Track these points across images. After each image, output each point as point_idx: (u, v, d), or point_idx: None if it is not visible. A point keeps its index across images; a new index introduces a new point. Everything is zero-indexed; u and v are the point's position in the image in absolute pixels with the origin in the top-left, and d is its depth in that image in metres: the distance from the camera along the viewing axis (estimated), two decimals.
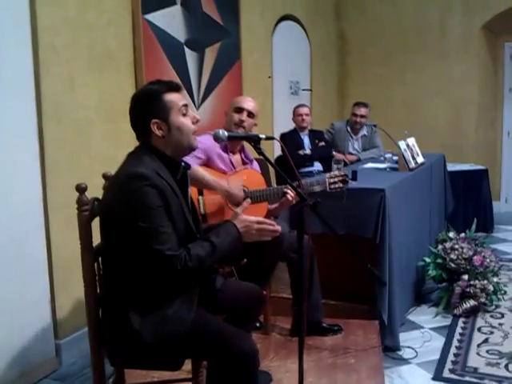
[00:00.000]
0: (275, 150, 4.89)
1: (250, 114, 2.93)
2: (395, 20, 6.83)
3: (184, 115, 1.93)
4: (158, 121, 1.88)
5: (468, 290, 3.53)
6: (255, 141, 2.02)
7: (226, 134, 2.06)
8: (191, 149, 1.98)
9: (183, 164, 1.99)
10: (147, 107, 1.90)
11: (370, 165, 4.53)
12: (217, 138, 2.07)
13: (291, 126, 4.96)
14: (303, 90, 6.01)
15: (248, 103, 2.95)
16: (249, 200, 2.08)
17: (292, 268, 3.05)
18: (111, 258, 1.89)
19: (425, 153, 4.56)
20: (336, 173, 3.00)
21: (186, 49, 4.08)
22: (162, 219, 1.77)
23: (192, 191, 2.18)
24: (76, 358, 3.04)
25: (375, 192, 3.21)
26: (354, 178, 3.42)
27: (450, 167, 5.40)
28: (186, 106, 1.94)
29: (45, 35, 2.91)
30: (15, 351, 2.76)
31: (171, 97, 1.91)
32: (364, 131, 5.36)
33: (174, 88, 1.95)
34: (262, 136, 2.04)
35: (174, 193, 1.86)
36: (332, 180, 2.94)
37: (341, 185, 2.97)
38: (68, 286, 3.00)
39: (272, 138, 2.17)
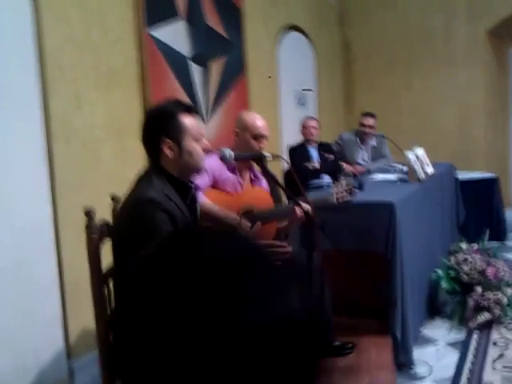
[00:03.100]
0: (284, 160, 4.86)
1: (266, 138, 2.87)
2: (400, 27, 6.81)
3: (196, 141, 1.91)
4: (170, 141, 1.87)
5: (482, 302, 3.48)
6: (262, 160, 2.00)
7: (232, 154, 2.04)
8: (198, 172, 1.96)
9: (192, 186, 1.97)
10: (161, 125, 1.89)
11: (379, 176, 4.48)
12: (223, 159, 2.05)
13: (299, 136, 4.93)
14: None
15: (266, 129, 2.87)
16: (259, 223, 2.06)
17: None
18: (121, 281, 1.87)
19: (434, 161, 4.51)
20: (342, 184, 2.97)
21: (192, 63, 4.07)
22: None
23: None
24: (89, 380, 3.01)
25: (385, 206, 3.17)
26: (361, 188, 3.39)
27: (460, 175, 5.35)
28: (201, 134, 1.93)
29: (51, 55, 2.91)
30: (28, 374, 2.73)
31: (188, 120, 1.90)
32: (373, 141, 5.32)
33: (192, 111, 1.94)
34: (269, 156, 2.01)
35: (184, 215, 1.84)
36: (339, 192, 2.90)
37: (348, 196, 2.93)
38: (80, 306, 2.97)
39: (278, 157, 2.15)
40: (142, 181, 1.89)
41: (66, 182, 2.97)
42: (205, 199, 2.59)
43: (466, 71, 6.52)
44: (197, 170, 1.94)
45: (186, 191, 1.93)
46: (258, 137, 2.83)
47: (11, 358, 2.64)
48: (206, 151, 1.96)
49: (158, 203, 1.75)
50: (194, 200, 2.00)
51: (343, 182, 3.05)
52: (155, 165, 1.92)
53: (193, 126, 1.90)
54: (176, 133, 1.87)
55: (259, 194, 2.90)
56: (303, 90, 5.95)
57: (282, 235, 3.01)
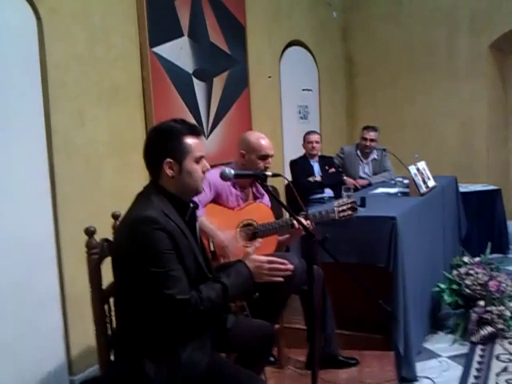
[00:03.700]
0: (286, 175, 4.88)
1: (272, 156, 2.92)
2: (402, 41, 6.85)
3: (197, 162, 1.93)
4: (172, 161, 1.88)
5: (485, 316, 3.47)
6: (262, 178, 2.02)
7: (232, 172, 2.06)
8: (197, 193, 1.98)
9: (191, 204, 1.98)
10: (165, 145, 1.91)
11: (380, 190, 4.49)
12: (224, 177, 2.07)
13: (301, 150, 4.96)
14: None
15: (271, 149, 2.90)
16: (260, 240, 2.07)
17: (304, 300, 3.01)
18: (123, 300, 1.89)
19: (436, 175, 4.52)
20: (344, 200, 3.00)
21: (194, 79, 4.12)
22: (172, 263, 1.76)
23: None
24: None
25: (386, 220, 3.18)
26: (363, 205, 3.41)
27: (463, 188, 5.35)
28: (202, 156, 1.95)
29: (54, 72, 2.95)
30: None
31: (191, 141, 1.91)
32: (374, 155, 5.34)
33: (196, 133, 1.95)
34: (269, 174, 2.04)
35: (183, 233, 1.85)
36: (341, 208, 2.93)
37: (350, 212, 2.96)
38: (82, 321, 2.98)
39: (279, 175, 2.17)
40: (141, 199, 1.90)
41: (68, 197, 3.00)
42: (201, 214, 2.61)
43: (469, 85, 6.54)
44: (195, 190, 1.96)
45: (185, 209, 1.95)
46: (264, 157, 2.87)
47: (13, 372, 2.66)
48: (206, 170, 1.98)
49: (157, 222, 1.76)
50: (194, 218, 2.01)
51: (345, 198, 3.07)
52: (154, 183, 1.94)
53: (195, 148, 1.92)
54: (178, 153, 1.89)
55: (259, 208, 2.92)
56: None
57: (284, 248, 3.02)
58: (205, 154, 1.97)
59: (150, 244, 1.74)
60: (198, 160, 1.93)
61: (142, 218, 1.77)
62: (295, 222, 2.70)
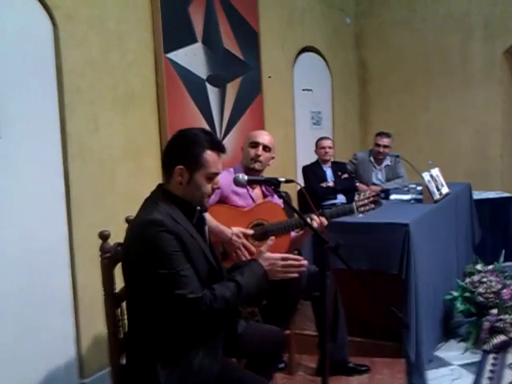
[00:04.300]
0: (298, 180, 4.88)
1: (266, 148, 2.93)
2: (416, 47, 6.83)
3: (209, 179, 1.93)
4: (184, 168, 1.89)
5: (497, 324, 3.45)
6: (275, 184, 2.02)
7: (245, 178, 2.07)
8: (201, 206, 1.99)
9: (198, 208, 1.99)
10: (183, 150, 1.91)
11: (393, 196, 4.48)
12: (237, 183, 2.08)
13: (314, 156, 4.96)
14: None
15: (263, 137, 2.95)
16: (273, 238, 2.07)
17: (316, 306, 3.02)
18: (135, 304, 1.90)
19: (450, 182, 4.51)
20: (366, 194, 2.95)
21: (208, 85, 4.14)
22: (181, 263, 1.77)
23: None
24: None
25: (399, 227, 3.18)
26: (387, 197, 3.34)
27: (476, 195, 5.32)
28: (216, 174, 1.95)
29: (69, 77, 2.98)
30: None
31: (210, 156, 1.91)
32: (387, 161, 5.32)
33: (219, 149, 1.96)
34: (282, 179, 2.04)
35: (191, 235, 1.86)
36: (361, 203, 2.90)
37: (372, 205, 2.92)
38: (93, 324, 3.01)
39: (292, 181, 2.17)
40: (148, 204, 1.92)
41: (82, 201, 3.02)
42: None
43: (483, 91, 6.50)
44: (200, 204, 1.97)
45: (192, 212, 1.96)
46: (255, 144, 2.92)
47: (23, 375, 2.68)
48: (216, 188, 1.99)
49: (163, 224, 1.78)
50: (202, 220, 2.03)
51: (367, 192, 3.02)
52: (162, 188, 1.95)
53: (211, 164, 1.91)
54: (192, 163, 1.89)
55: (270, 207, 2.90)
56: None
57: (295, 252, 3.02)
58: (220, 172, 1.97)
59: (157, 246, 1.76)
60: (210, 176, 1.93)
61: (149, 221, 1.79)
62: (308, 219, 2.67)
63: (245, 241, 2.65)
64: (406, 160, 5.09)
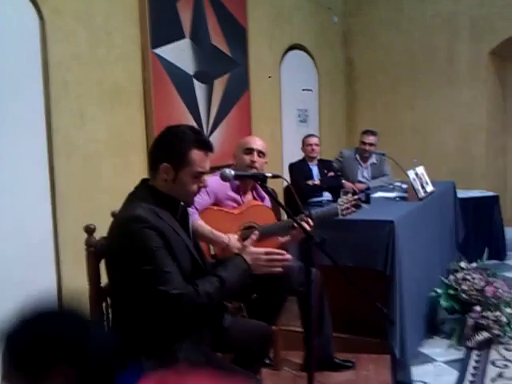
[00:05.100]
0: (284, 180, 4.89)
1: (260, 154, 2.90)
2: (403, 46, 6.87)
3: (195, 177, 1.92)
4: (169, 166, 1.88)
5: (481, 321, 3.48)
6: (261, 179, 2.03)
7: (232, 173, 2.07)
8: (186, 203, 1.99)
9: (182, 203, 1.99)
10: (169, 148, 1.90)
11: (379, 194, 4.51)
12: (224, 178, 2.08)
13: (301, 154, 4.97)
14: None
15: (257, 143, 2.92)
16: (257, 232, 2.07)
17: (302, 302, 3.02)
18: (119, 298, 1.90)
19: (434, 180, 4.54)
20: (348, 197, 2.97)
21: (195, 81, 4.13)
22: (164, 259, 1.77)
23: None
24: None
25: (384, 224, 3.20)
26: (368, 201, 3.40)
27: (461, 194, 5.37)
28: (202, 173, 1.93)
29: (56, 71, 2.96)
30: None
31: (196, 156, 1.89)
32: (373, 159, 5.35)
33: (206, 148, 1.93)
34: (269, 175, 2.05)
35: (175, 231, 1.86)
36: (344, 206, 2.92)
37: (353, 209, 2.95)
38: None
39: (278, 177, 2.18)
40: (131, 199, 1.91)
41: (68, 196, 3.01)
42: (197, 218, 2.61)
43: (468, 91, 6.57)
44: (185, 201, 1.96)
45: (176, 207, 1.96)
46: (249, 151, 2.89)
47: None
48: (203, 187, 1.97)
49: (146, 221, 1.77)
50: (186, 215, 2.02)
51: (349, 195, 3.05)
52: (145, 183, 1.95)
53: (198, 163, 1.90)
54: (178, 161, 1.88)
55: (260, 210, 2.91)
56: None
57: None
58: (207, 171, 1.96)
59: (140, 242, 1.75)
60: (196, 175, 1.91)
61: (131, 218, 1.78)
62: (295, 224, 2.70)
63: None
64: (391, 158, 5.12)
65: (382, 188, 4.89)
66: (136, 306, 1.81)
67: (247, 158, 2.89)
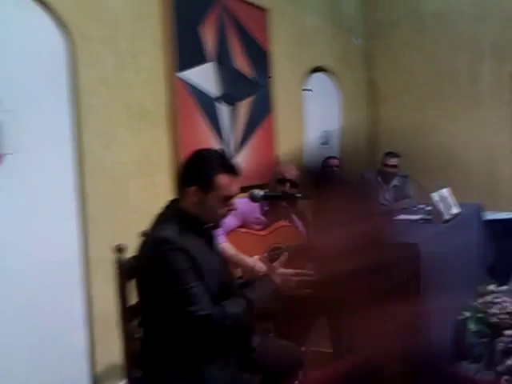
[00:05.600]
0: None
1: (293, 184, 2.79)
2: (426, 68, 6.83)
3: (223, 201, 1.93)
4: (197, 189, 1.90)
5: (511, 346, 3.40)
6: (292, 200, 2.02)
7: (261, 193, 2.07)
8: (214, 226, 2.01)
9: (210, 224, 2.00)
10: (198, 171, 1.92)
11: (402, 216, 4.46)
12: (253, 198, 2.08)
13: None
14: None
15: (290, 172, 2.85)
16: (286, 254, 2.06)
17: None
18: (149, 318, 1.90)
19: (461, 202, 4.48)
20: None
21: (220, 104, 4.17)
22: (192, 280, 1.78)
23: None
24: None
25: (409, 247, 3.16)
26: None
27: (488, 216, 5.28)
28: (230, 197, 1.95)
29: (84, 95, 3.02)
30: None
31: (223, 180, 1.91)
32: (395, 181, 5.31)
33: (233, 173, 1.95)
34: (299, 195, 2.04)
35: (203, 252, 1.87)
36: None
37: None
38: (108, 340, 2.96)
39: (309, 198, 2.17)
40: (161, 219, 1.94)
41: (97, 217, 3.04)
42: (223, 240, 2.59)
43: (493, 112, 6.51)
44: (212, 222, 1.98)
45: (203, 229, 1.97)
46: (281, 181, 2.82)
47: None
48: (231, 210, 1.99)
49: (173, 242, 1.79)
50: (212, 236, 2.03)
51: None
52: (173, 204, 1.96)
53: (225, 188, 1.91)
54: (206, 186, 1.90)
55: (288, 231, 2.85)
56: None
57: None
58: (234, 194, 1.97)
59: (167, 264, 1.77)
60: (224, 199, 1.93)
61: (160, 239, 1.80)
62: None
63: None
64: (415, 180, 5.07)
65: (405, 210, 4.83)
66: (165, 326, 1.81)
67: (279, 188, 2.80)
